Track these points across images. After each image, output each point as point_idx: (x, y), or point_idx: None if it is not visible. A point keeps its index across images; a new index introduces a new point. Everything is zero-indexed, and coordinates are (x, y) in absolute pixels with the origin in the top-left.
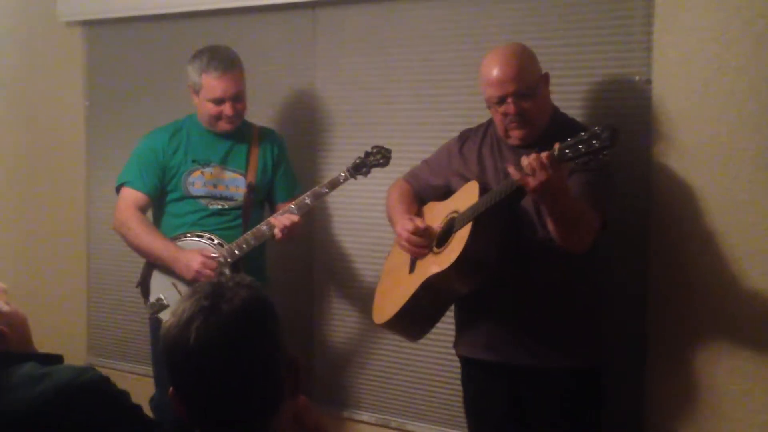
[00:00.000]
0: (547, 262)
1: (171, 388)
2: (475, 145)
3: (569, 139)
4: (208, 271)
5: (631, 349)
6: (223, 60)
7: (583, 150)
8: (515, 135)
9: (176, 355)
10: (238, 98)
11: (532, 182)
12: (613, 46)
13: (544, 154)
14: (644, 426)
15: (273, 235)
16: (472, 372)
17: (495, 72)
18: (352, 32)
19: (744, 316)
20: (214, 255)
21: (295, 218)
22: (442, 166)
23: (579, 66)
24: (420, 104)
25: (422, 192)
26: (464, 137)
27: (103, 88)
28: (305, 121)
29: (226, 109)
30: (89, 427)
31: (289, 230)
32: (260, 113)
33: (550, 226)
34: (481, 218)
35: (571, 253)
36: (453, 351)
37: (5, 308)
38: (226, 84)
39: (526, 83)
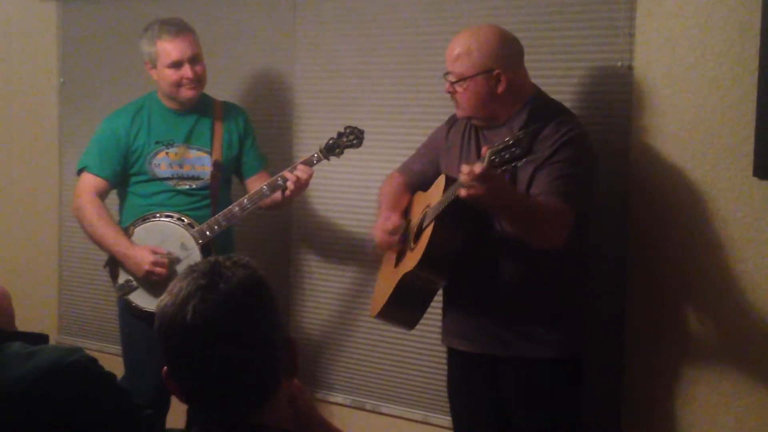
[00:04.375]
0: (515, 253)
1: (165, 368)
2: (458, 131)
3: (498, 144)
4: (159, 269)
5: (610, 338)
6: (175, 24)
7: (507, 157)
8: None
9: (172, 333)
10: (195, 60)
11: (463, 193)
12: (596, 31)
13: (476, 167)
14: (621, 414)
15: (242, 210)
16: (453, 359)
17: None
18: (333, 13)
19: (721, 304)
20: (167, 251)
21: (310, 170)
22: (432, 151)
23: (561, 50)
24: (400, 86)
25: (415, 182)
26: (452, 121)
27: (78, 64)
28: (284, 102)
29: (186, 71)
30: (76, 407)
31: (305, 184)
32: (238, 94)
33: (507, 227)
34: (442, 216)
35: (541, 249)
36: (428, 334)
37: None
38: (182, 45)
39: (458, 69)
